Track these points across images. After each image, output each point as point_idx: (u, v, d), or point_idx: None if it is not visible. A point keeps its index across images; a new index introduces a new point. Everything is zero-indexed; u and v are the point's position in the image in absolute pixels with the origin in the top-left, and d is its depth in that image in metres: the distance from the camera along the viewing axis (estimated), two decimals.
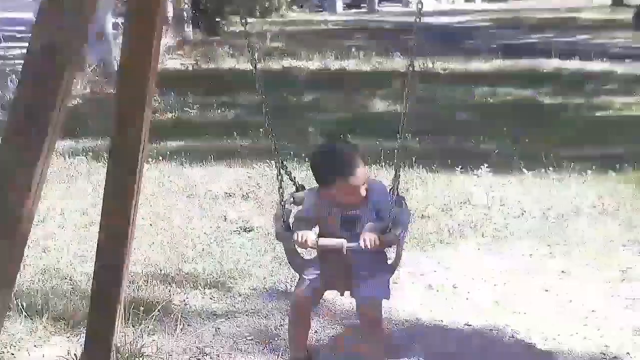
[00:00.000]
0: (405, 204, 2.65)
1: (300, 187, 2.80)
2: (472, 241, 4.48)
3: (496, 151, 6.65)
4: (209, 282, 3.81)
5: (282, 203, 2.61)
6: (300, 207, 2.76)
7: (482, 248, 4.43)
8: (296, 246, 2.63)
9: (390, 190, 2.59)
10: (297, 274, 2.77)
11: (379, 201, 2.59)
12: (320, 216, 2.66)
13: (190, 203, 5.28)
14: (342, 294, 2.80)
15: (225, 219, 4.93)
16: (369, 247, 2.47)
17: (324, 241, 2.58)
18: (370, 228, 2.53)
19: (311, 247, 2.57)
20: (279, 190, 2.59)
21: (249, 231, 4.63)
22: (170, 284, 3.78)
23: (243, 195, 5.41)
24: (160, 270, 3.96)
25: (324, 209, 2.64)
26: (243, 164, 6.44)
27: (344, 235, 2.56)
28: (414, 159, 5.80)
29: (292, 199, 2.75)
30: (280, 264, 4.01)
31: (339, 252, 2.48)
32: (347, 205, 2.60)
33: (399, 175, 2.50)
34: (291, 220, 2.69)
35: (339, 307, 3.43)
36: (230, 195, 5.42)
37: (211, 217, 4.95)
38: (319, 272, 2.66)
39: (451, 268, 4.10)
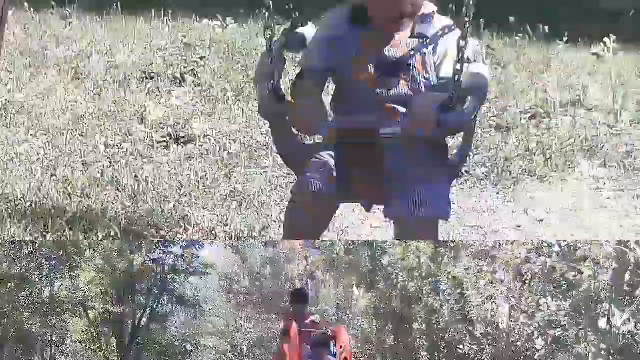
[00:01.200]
0: (483, 59, 2.66)
1: (298, 22, 2.76)
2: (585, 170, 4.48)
3: None
4: (111, 234, 3.69)
5: (271, 47, 2.59)
6: (300, 54, 2.73)
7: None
8: (294, 127, 2.61)
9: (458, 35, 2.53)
10: (295, 174, 2.80)
11: (441, 47, 2.55)
12: (337, 64, 2.59)
13: (77, 87, 5.22)
14: (368, 209, 2.80)
15: (142, 119, 4.78)
16: (416, 132, 2.45)
17: (345, 121, 2.54)
18: (422, 101, 2.52)
19: (320, 133, 2.56)
20: (264, 31, 2.56)
21: (187, 142, 4.57)
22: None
23: (174, 77, 5.33)
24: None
25: (344, 47, 2.61)
26: (174, 13, 6.39)
27: (381, 96, 2.54)
28: None
29: (285, 41, 2.70)
30: (250, 204, 3.88)
31: (371, 139, 2.45)
32: (385, 36, 2.57)
33: (472, 10, 2.44)
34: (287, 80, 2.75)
35: None
36: (151, 77, 5.40)
37: (117, 116, 4.83)
38: (333, 169, 2.59)
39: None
